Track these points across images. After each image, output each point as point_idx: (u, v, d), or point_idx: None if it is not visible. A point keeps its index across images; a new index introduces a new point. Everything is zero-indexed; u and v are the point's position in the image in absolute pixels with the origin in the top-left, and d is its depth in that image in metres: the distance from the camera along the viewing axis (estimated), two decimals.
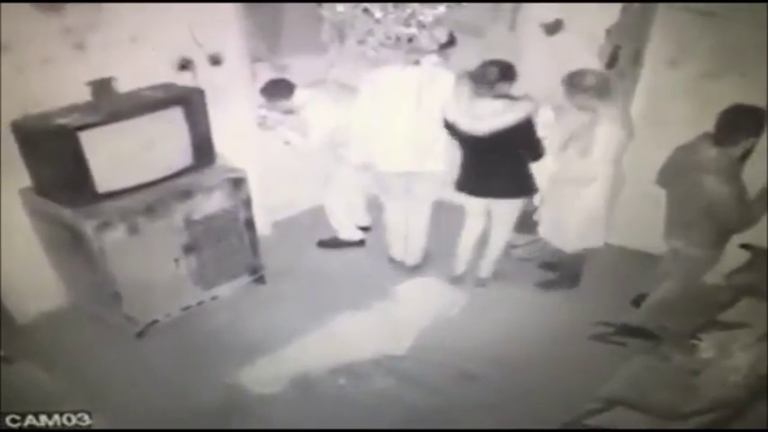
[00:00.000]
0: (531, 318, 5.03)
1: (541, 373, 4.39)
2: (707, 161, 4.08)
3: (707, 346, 3.63)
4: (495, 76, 4.41)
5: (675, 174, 4.40)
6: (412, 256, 5.61)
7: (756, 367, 3.23)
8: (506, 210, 5.00)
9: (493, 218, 5.13)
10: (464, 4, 3.88)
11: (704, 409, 3.26)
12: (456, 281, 5.45)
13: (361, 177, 5.65)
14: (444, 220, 5.62)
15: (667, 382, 3.58)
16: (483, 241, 5.32)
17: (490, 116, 4.41)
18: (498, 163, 4.73)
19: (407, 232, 5.50)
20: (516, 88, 4.62)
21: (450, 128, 4.64)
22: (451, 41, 4.87)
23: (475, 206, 5.10)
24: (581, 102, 4.56)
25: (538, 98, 4.55)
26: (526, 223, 5.41)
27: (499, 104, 4.42)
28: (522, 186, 4.87)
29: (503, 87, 4.46)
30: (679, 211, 4.45)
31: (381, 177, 5.32)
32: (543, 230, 5.27)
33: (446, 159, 5.00)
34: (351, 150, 5.36)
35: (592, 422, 3.61)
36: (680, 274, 4.66)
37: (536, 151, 4.65)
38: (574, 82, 4.52)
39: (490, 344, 4.68)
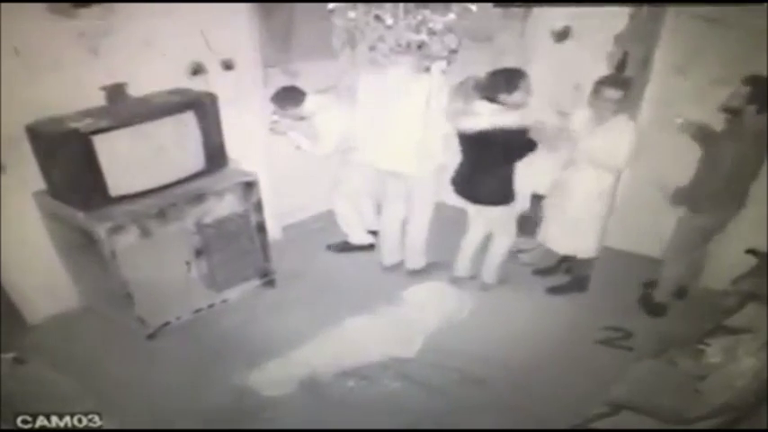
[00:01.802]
0: (538, 322, 5.05)
1: (548, 377, 4.41)
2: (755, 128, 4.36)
3: (713, 351, 3.65)
4: (502, 87, 4.43)
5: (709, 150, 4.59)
6: (413, 260, 5.64)
7: (762, 372, 3.25)
8: (495, 215, 5.02)
9: (491, 224, 5.16)
10: (474, 10, 3.89)
11: (710, 414, 3.28)
12: (455, 281, 5.48)
13: (370, 181, 5.69)
14: (448, 224, 5.67)
15: (673, 387, 3.60)
16: (486, 246, 5.35)
17: (481, 116, 4.46)
18: (484, 168, 4.76)
19: (403, 236, 5.55)
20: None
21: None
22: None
23: (471, 210, 5.15)
24: (602, 107, 4.60)
25: (540, 106, 4.56)
26: (534, 229, 5.46)
27: (494, 107, 4.46)
28: (501, 194, 4.85)
29: (508, 97, 4.45)
30: (709, 183, 4.59)
31: (381, 177, 5.36)
32: (541, 235, 5.33)
33: (447, 163, 5.06)
34: (356, 149, 5.41)
35: (598, 426, 3.64)
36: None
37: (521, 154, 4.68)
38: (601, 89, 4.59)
39: (498, 347, 4.70)
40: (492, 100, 4.44)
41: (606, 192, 4.82)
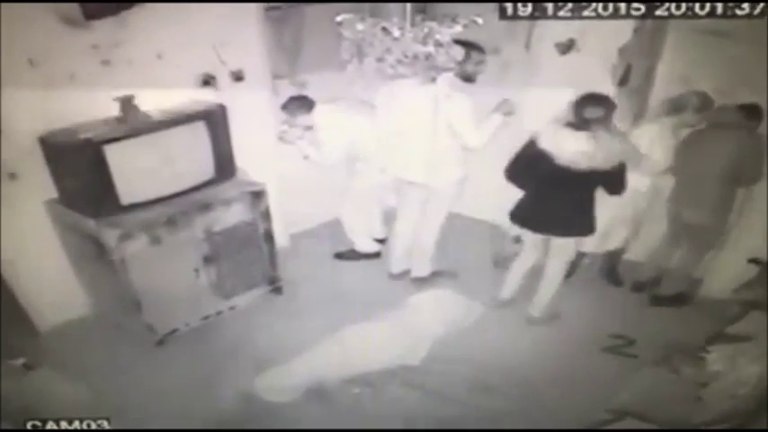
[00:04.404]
0: (543, 329, 5.08)
1: (553, 384, 4.43)
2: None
3: (715, 359, 3.68)
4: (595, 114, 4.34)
5: (693, 147, 4.88)
6: (419, 268, 5.68)
7: (763, 380, 3.28)
8: (563, 246, 4.89)
9: (550, 253, 5.01)
10: (480, 23, 3.93)
11: (712, 421, 3.31)
12: (503, 305, 5.34)
13: (377, 190, 5.75)
14: (455, 234, 5.74)
15: (676, 394, 3.63)
16: (535, 275, 5.22)
17: (595, 151, 4.31)
18: (567, 200, 4.58)
19: (414, 244, 5.58)
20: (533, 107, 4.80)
21: (538, 156, 4.45)
22: (481, 60, 4.93)
23: (533, 239, 5.03)
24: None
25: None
26: None
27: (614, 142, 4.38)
28: (584, 226, 4.74)
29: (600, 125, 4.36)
30: (695, 180, 4.89)
31: (399, 185, 5.41)
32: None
33: (456, 176, 5.12)
34: (364, 158, 5.48)
35: None
36: (693, 245, 5.12)
37: (618, 188, 4.55)
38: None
39: (503, 355, 4.74)
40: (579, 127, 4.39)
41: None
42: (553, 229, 4.79)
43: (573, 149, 4.30)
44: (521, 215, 4.86)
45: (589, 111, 4.33)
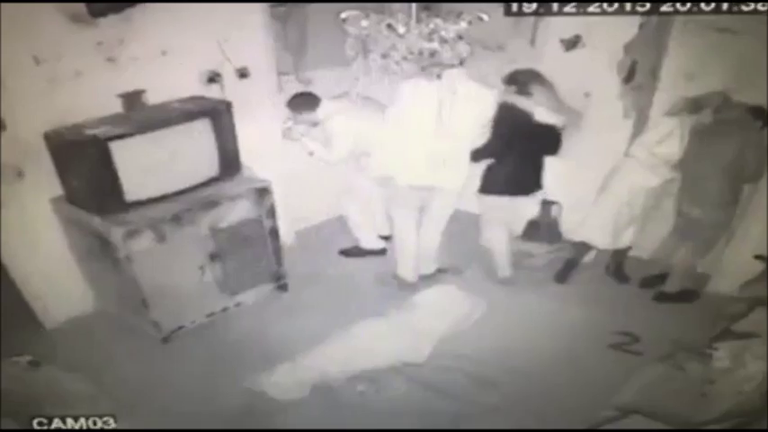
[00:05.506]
0: (549, 326, 5.06)
1: (558, 381, 4.42)
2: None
3: (721, 356, 3.68)
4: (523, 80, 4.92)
5: (697, 143, 4.91)
6: (424, 265, 5.65)
7: None
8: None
9: (511, 216, 5.47)
10: (485, 19, 3.94)
11: (718, 418, 3.31)
12: (507, 282, 5.61)
13: (382, 187, 5.74)
14: (458, 230, 5.73)
15: (682, 391, 3.63)
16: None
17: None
18: (528, 162, 5.16)
19: (419, 247, 5.54)
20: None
21: (515, 116, 4.97)
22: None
23: (497, 209, 5.36)
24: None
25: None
26: (552, 234, 5.53)
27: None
28: (537, 184, 5.34)
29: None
30: (699, 176, 4.91)
31: (399, 191, 5.37)
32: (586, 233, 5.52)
33: (463, 174, 5.10)
34: (372, 163, 5.46)
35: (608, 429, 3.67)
36: (697, 241, 5.10)
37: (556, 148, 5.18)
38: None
39: (508, 352, 4.71)
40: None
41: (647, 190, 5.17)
42: (519, 191, 5.32)
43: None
44: (493, 184, 5.25)
45: (521, 77, 4.99)
